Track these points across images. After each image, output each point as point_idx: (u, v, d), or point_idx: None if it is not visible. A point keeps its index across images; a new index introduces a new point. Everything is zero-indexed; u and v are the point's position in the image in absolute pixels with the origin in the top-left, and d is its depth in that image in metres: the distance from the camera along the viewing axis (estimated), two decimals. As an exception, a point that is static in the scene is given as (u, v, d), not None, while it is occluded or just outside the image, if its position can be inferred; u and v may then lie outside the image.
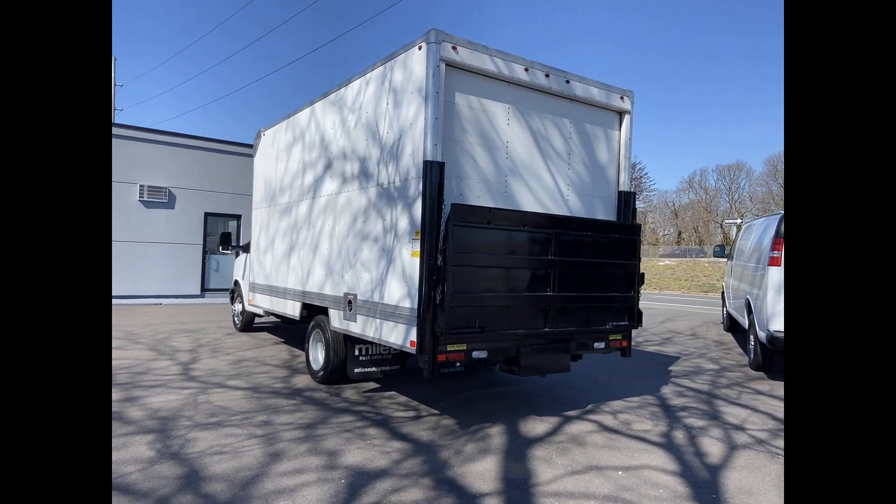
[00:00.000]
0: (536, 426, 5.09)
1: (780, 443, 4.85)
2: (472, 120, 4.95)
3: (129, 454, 4.12)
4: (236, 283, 10.42)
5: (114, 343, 8.52)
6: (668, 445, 4.69)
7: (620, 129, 6.00)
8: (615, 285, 5.62)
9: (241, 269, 10.14)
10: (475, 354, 4.77)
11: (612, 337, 5.69)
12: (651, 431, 5.04)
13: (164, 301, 14.95)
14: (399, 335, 4.86)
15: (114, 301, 14.20)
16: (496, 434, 4.83)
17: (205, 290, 15.90)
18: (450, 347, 4.61)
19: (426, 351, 4.56)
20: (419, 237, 4.64)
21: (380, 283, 5.18)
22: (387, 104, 5.22)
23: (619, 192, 6.00)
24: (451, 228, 4.49)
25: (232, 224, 16.17)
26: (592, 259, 5.41)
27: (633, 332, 11.81)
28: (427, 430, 4.87)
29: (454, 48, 4.71)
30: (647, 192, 77.12)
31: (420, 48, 4.72)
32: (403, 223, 4.88)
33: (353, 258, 5.67)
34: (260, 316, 9.32)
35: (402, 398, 5.88)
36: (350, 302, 5.64)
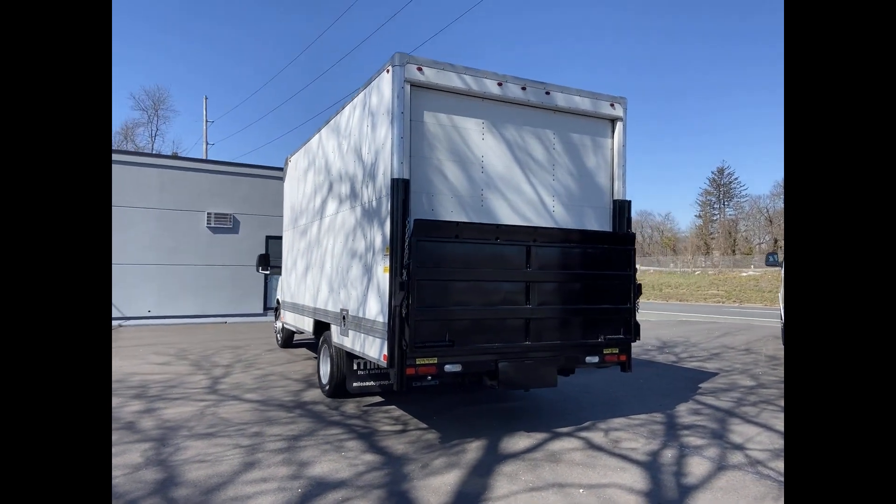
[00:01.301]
0: (519, 442, 5.01)
1: (777, 464, 4.48)
2: (443, 137, 5.03)
3: (123, 460, 4.48)
4: (278, 301, 10.98)
5: (162, 359, 9.23)
6: (649, 464, 4.47)
7: (613, 137, 5.85)
8: (607, 298, 5.45)
9: (280, 287, 10.69)
10: (448, 368, 4.79)
11: (607, 351, 5.50)
12: (638, 450, 4.82)
13: (228, 320, 15.94)
14: (376, 349, 4.98)
15: (183, 321, 15.34)
16: (473, 449, 4.81)
17: (267, 308, 16.80)
18: (419, 361, 4.67)
19: (395, 365, 4.65)
20: (389, 253, 4.76)
21: (363, 299, 5.34)
22: (366, 127, 5.42)
23: (614, 202, 5.83)
24: (415, 244, 4.57)
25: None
26: (577, 271, 5.28)
27: (679, 347, 11.24)
28: (406, 444, 4.93)
29: (419, 69, 4.84)
30: (737, 198, 72.34)
31: (388, 71, 4.89)
32: (378, 240, 5.03)
33: (346, 275, 5.87)
34: (297, 332, 9.76)
35: (398, 412, 5.97)
36: (343, 317, 5.84)
